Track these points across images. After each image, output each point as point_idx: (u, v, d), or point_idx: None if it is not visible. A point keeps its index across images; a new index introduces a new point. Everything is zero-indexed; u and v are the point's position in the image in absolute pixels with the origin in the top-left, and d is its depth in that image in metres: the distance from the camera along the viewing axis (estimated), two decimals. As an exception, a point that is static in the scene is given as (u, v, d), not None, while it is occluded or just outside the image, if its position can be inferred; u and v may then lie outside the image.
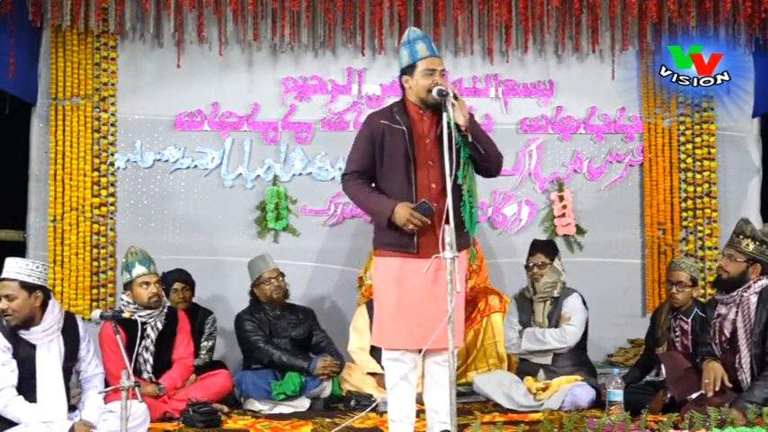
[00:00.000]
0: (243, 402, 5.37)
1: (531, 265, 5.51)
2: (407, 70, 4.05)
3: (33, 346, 4.11)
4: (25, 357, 4.09)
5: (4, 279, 4.14)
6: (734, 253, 4.54)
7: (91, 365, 4.38)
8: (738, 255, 4.52)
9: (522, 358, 5.52)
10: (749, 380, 4.42)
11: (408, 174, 3.97)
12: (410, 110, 4.06)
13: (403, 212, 3.90)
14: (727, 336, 4.54)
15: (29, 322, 4.12)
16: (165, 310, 5.18)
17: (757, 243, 4.51)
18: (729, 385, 4.49)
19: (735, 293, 4.52)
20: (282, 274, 5.76)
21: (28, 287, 4.11)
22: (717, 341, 4.61)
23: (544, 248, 5.56)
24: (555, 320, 5.40)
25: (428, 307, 3.93)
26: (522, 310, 5.51)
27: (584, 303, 5.44)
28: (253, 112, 6.58)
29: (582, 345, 5.43)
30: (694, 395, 4.57)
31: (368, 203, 4.09)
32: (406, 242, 3.97)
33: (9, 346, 4.06)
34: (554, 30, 6.62)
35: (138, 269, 5.07)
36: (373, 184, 4.11)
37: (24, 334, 4.10)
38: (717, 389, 4.46)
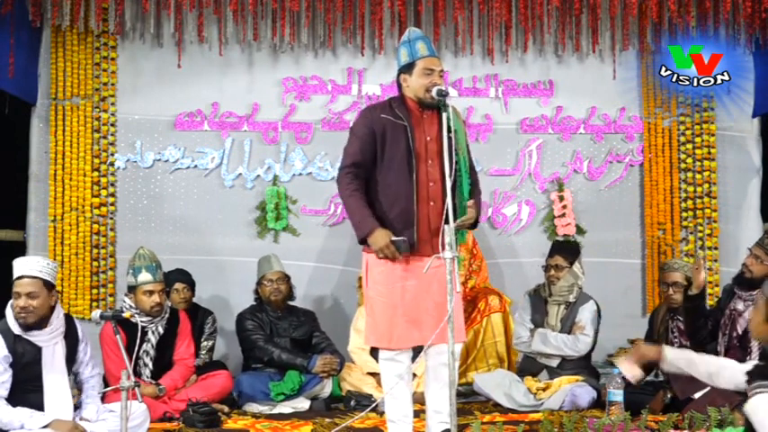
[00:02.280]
0: (241, 406, 5.36)
1: (548, 266, 5.48)
2: (406, 69, 4.06)
3: (39, 349, 4.09)
4: (31, 360, 4.07)
5: (25, 276, 4.07)
6: (761, 255, 4.51)
7: (88, 367, 4.38)
8: (766, 257, 4.50)
9: (527, 356, 5.52)
10: (754, 381, 4.41)
11: (410, 170, 3.96)
12: (410, 106, 4.06)
13: (381, 239, 3.88)
14: (739, 333, 4.53)
15: (44, 322, 4.10)
16: (167, 315, 5.17)
17: None
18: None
19: (755, 293, 4.51)
20: (287, 277, 5.76)
21: (48, 286, 4.10)
22: (726, 332, 4.60)
23: (563, 251, 5.52)
24: (568, 326, 5.39)
25: (426, 306, 3.94)
26: (535, 309, 5.49)
27: (599, 312, 5.43)
28: (253, 112, 6.58)
29: (589, 351, 5.43)
30: (697, 394, 4.56)
31: (353, 211, 4.00)
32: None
33: (8, 355, 4.02)
34: (554, 30, 6.62)
35: (144, 276, 5.05)
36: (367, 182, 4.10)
37: (33, 335, 4.07)
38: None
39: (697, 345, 4.73)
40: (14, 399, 4.02)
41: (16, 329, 4.05)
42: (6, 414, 3.96)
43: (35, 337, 4.09)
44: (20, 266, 4.11)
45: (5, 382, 4.00)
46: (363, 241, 4.08)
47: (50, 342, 4.12)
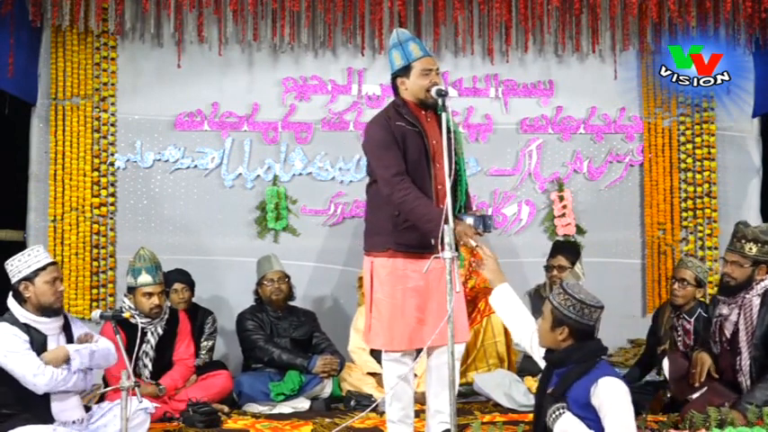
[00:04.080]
0: (241, 406, 5.36)
1: (550, 266, 5.47)
2: (402, 72, 4.03)
3: (44, 338, 4.10)
4: (39, 349, 4.07)
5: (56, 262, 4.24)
6: (738, 259, 4.50)
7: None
8: (744, 260, 4.49)
9: (527, 356, 5.50)
10: (748, 382, 4.40)
11: (430, 174, 3.97)
12: (414, 110, 4.05)
13: (461, 227, 3.83)
14: (728, 336, 4.53)
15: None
16: (167, 316, 5.17)
17: (760, 245, 4.49)
18: (716, 376, 4.51)
19: (738, 296, 4.51)
20: (287, 277, 5.77)
21: None
22: (716, 340, 4.61)
23: (566, 251, 5.52)
24: None
25: (430, 306, 3.94)
26: (535, 309, 5.47)
27: None
28: (253, 112, 6.58)
29: None
30: (695, 395, 4.57)
31: (427, 212, 3.87)
32: (427, 243, 3.92)
33: (28, 339, 4.04)
34: (554, 30, 6.62)
35: (144, 278, 5.05)
36: None
37: (44, 323, 4.09)
38: (703, 379, 4.49)
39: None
40: (22, 390, 4.01)
41: (22, 318, 4.07)
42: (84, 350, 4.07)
43: (45, 324, 4.09)
44: (43, 253, 4.19)
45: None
46: (368, 246, 4.08)
47: (54, 332, 4.15)
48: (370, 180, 4.19)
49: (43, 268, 4.10)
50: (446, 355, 3.76)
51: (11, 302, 4.12)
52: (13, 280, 4.11)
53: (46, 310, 4.10)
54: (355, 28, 6.44)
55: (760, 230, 4.55)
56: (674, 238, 6.74)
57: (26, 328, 4.05)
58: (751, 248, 4.49)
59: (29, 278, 4.08)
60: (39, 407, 4.03)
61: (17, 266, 4.11)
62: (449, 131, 3.81)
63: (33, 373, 3.95)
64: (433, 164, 3.99)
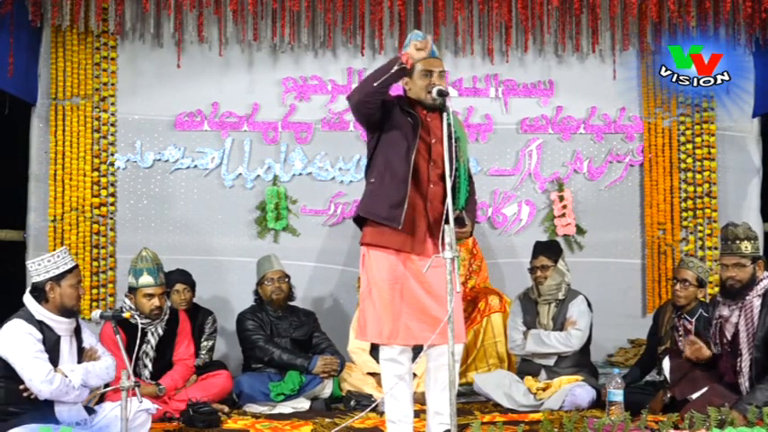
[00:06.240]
0: (241, 406, 5.36)
1: (533, 267, 5.49)
2: (408, 72, 4.05)
3: (57, 339, 4.12)
4: (50, 349, 4.09)
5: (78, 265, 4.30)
6: (739, 260, 4.47)
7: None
8: (744, 260, 4.47)
9: (524, 358, 5.52)
10: (748, 384, 4.40)
11: (408, 164, 3.95)
12: (416, 107, 4.06)
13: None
14: (728, 338, 4.53)
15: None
16: (167, 317, 5.17)
17: (752, 241, 4.51)
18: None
19: (746, 298, 4.49)
20: (287, 277, 5.77)
21: None
22: (716, 342, 4.61)
23: (546, 251, 5.52)
24: (560, 323, 5.39)
25: (425, 305, 3.94)
26: (526, 311, 5.49)
27: (590, 306, 5.43)
28: (253, 112, 6.59)
29: (585, 347, 5.42)
30: (695, 395, 4.57)
31: (375, 72, 3.90)
32: (402, 241, 3.95)
33: (41, 337, 4.06)
34: (554, 30, 6.62)
35: (145, 279, 5.05)
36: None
37: (59, 322, 4.10)
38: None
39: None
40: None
41: (38, 316, 4.08)
42: (78, 371, 4.06)
43: (60, 324, 4.11)
44: (66, 256, 4.22)
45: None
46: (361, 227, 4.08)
47: (67, 333, 4.17)
48: (366, 163, 4.17)
49: (70, 271, 4.15)
50: (445, 356, 3.76)
51: (28, 299, 4.13)
52: (38, 279, 4.12)
53: (66, 311, 4.13)
54: (355, 28, 6.44)
55: (747, 228, 4.57)
56: (674, 238, 6.74)
57: (40, 325, 4.07)
58: (747, 246, 4.49)
59: (56, 279, 4.11)
60: (44, 407, 4.04)
61: (45, 266, 4.12)
62: (450, 135, 3.80)
63: (41, 380, 3.96)
64: (422, 160, 3.97)
